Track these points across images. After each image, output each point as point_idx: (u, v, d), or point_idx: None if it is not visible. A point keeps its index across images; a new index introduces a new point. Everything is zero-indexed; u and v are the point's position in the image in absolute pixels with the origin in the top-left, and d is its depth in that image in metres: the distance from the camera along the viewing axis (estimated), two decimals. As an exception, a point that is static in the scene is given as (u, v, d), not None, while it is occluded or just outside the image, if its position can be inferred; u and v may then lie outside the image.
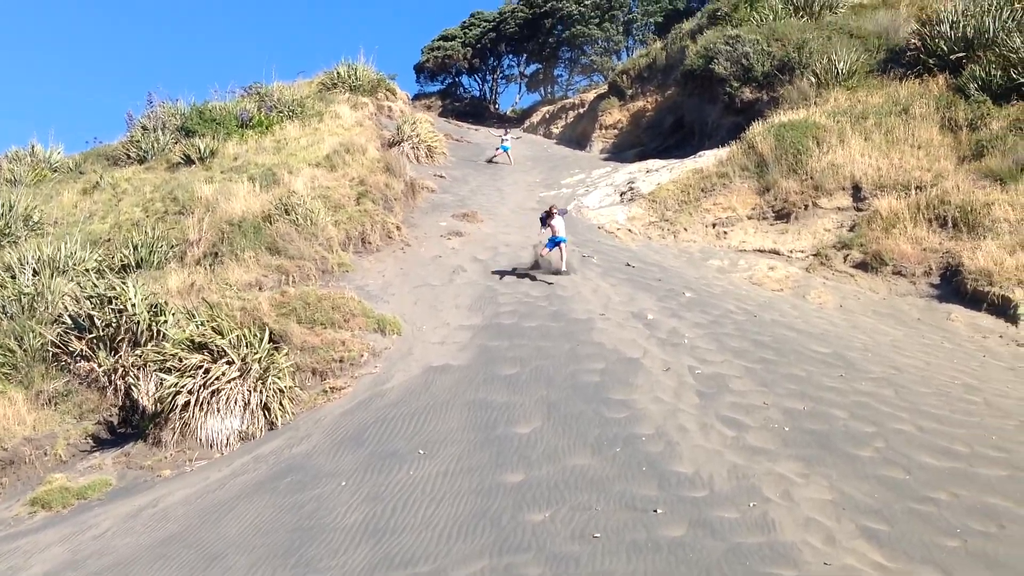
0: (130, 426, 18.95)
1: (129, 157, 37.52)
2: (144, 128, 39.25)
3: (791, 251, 26.36)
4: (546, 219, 23.53)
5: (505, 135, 40.11)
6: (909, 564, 10.69)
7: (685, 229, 28.45)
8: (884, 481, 12.87)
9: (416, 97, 63.04)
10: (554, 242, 23.40)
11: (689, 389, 16.58)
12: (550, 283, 23.43)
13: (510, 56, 69.63)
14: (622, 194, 31.52)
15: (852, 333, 20.58)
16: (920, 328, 21.40)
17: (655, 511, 12.09)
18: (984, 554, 10.90)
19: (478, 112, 63.44)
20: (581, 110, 51.83)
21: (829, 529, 11.52)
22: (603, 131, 46.32)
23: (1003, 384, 17.65)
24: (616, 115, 46.39)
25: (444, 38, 67.43)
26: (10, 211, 29.62)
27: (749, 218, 28.16)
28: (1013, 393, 17.07)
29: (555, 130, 52.51)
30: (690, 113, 40.44)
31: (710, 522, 11.77)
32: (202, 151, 34.98)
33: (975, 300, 22.24)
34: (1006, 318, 21.35)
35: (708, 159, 31.39)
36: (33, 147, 38.75)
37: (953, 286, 22.98)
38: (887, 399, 16.15)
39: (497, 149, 41.09)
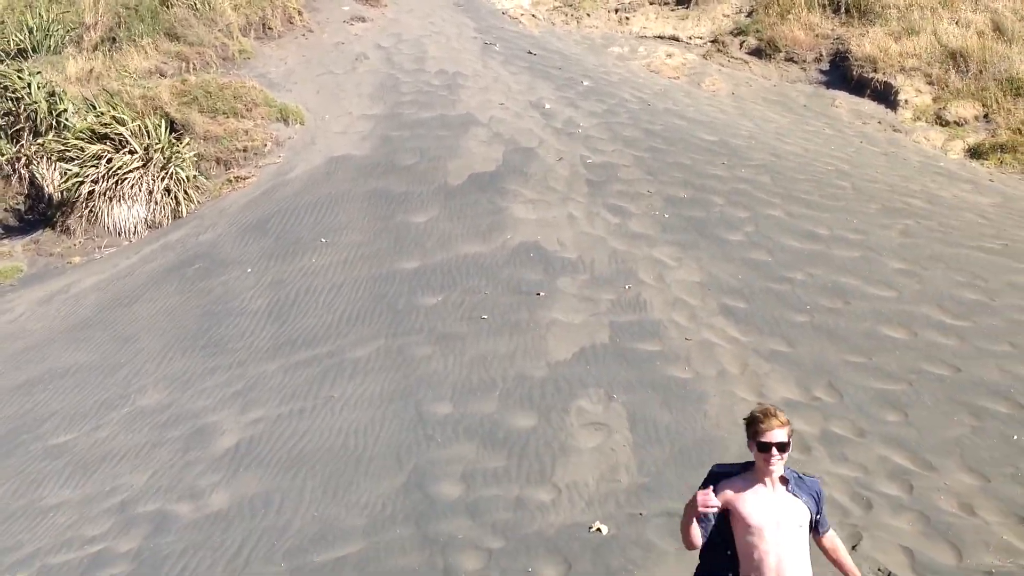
0: (38, 214, 19.33)
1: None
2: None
3: (690, 37, 26.80)
4: (716, 484, 5.33)
5: None
6: (759, 337, 11.95)
7: (588, 15, 28.60)
8: (748, 263, 14.03)
9: None
10: None
11: (580, 178, 17.39)
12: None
13: None
14: (527, -23, 31.31)
15: (740, 121, 21.46)
16: (805, 115, 22.36)
17: (539, 294, 13.12)
18: (827, 328, 12.19)
19: None
20: None
21: (693, 308, 12.70)
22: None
23: (874, 170, 18.84)
24: None
25: None
26: None
27: (651, 3, 28.34)
28: (881, 178, 18.27)
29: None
30: None
31: (588, 303, 12.86)
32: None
33: (860, 86, 23.17)
34: (887, 104, 22.40)
35: (614, -60, 31.15)
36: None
37: (840, 72, 23.82)
38: (763, 185, 17.19)
39: None
